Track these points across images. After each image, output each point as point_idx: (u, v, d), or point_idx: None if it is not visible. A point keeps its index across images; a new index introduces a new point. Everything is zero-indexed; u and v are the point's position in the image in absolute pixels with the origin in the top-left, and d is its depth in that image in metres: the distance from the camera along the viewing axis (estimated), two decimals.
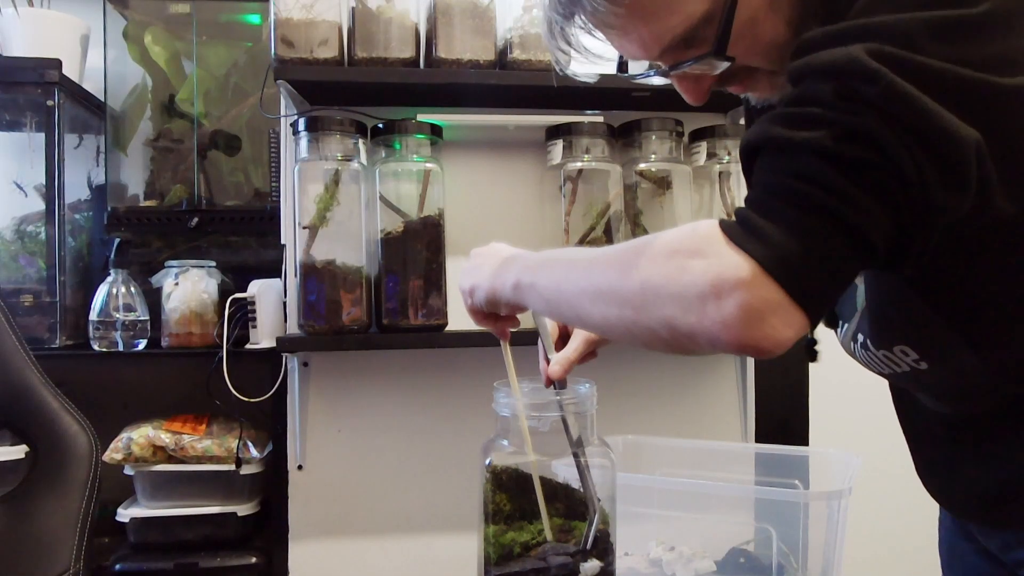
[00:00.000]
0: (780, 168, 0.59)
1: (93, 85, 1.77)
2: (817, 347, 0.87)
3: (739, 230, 0.59)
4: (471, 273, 0.86)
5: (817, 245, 0.57)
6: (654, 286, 0.61)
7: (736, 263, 0.57)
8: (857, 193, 0.56)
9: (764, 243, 0.57)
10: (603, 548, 0.85)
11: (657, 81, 0.75)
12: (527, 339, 1.48)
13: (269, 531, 1.56)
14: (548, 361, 0.91)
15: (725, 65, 0.70)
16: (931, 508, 0.96)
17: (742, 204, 0.62)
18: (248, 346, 1.53)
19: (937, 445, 0.83)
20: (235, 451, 1.54)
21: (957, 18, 0.56)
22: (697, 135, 1.58)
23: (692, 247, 0.60)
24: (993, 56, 0.56)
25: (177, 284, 1.63)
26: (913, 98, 0.54)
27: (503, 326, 0.89)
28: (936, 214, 0.57)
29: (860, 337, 0.77)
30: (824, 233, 0.56)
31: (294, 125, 1.46)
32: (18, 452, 1.20)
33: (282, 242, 1.57)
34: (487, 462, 0.86)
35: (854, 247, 0.57)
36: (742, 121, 1.66)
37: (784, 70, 0.69)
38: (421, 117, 1.48)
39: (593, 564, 0.84)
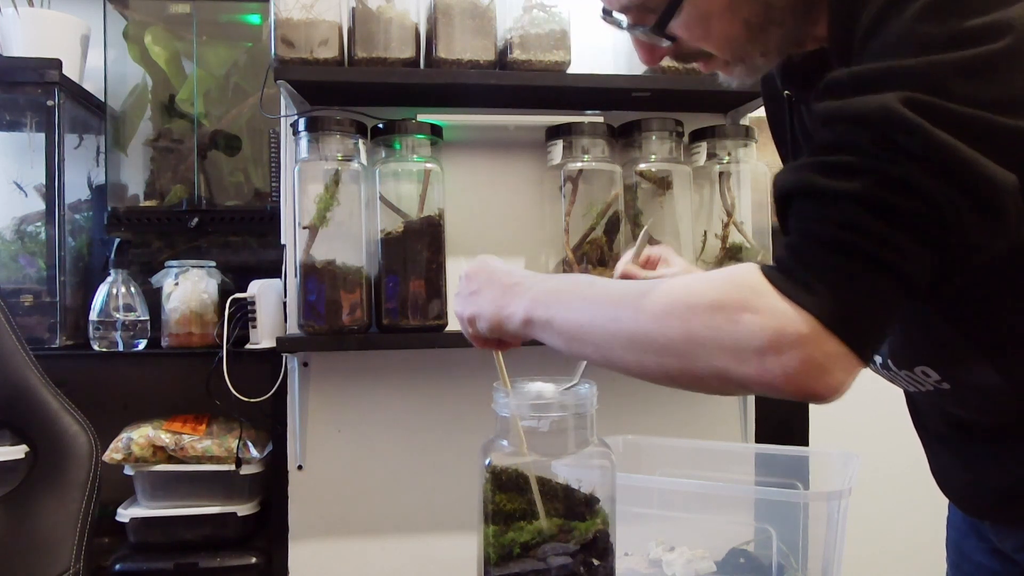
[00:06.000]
0: (822, 217, 0.59)
1: (93, 85, 1.77)
2: None
3: (789, 283, 0.59)
4: (470, 301, 0.82)
5: (869, 295, 0.58)
6: (703, 339, 0.61)
7: (794, 318, 0.58)
8: (902, 239, 0.57)
9: (819, 297, 0.57)
10: (603, 548, 0.85)
11: (625, 29, 0.78)
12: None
13: (269, 531, 1.56)
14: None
15: (667, 43, 0.74)
16: (931, 508, 0.96)
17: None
18: (248, 346, 1.53)
19: (953, 446, 0.83)
20: (235, 451, 1.54)
21: (983, 56, 0.56)
22: (697, 135, 1.58)
23: (739, 300, 0.60)
24: (1020, 92, 0.57)
25: (177, 284, 1.63)
26: (952, 148, 0.55)
27: (505, 347, 0.88)
28: (976, 255, 0.58)
29: (878, 358, 0.78)
30: (874, 282, 0.57)
31: (294, 125, 1.46)
32: (18, 452, 1.20)
33: (282, 242, 1.57)
34: (487, 462, 0.86)
35: (903, 291, 0.58)
36: (743, 121, 1.66)
37: (736, 60, 0.74)
38: (421, 117, 1.48)
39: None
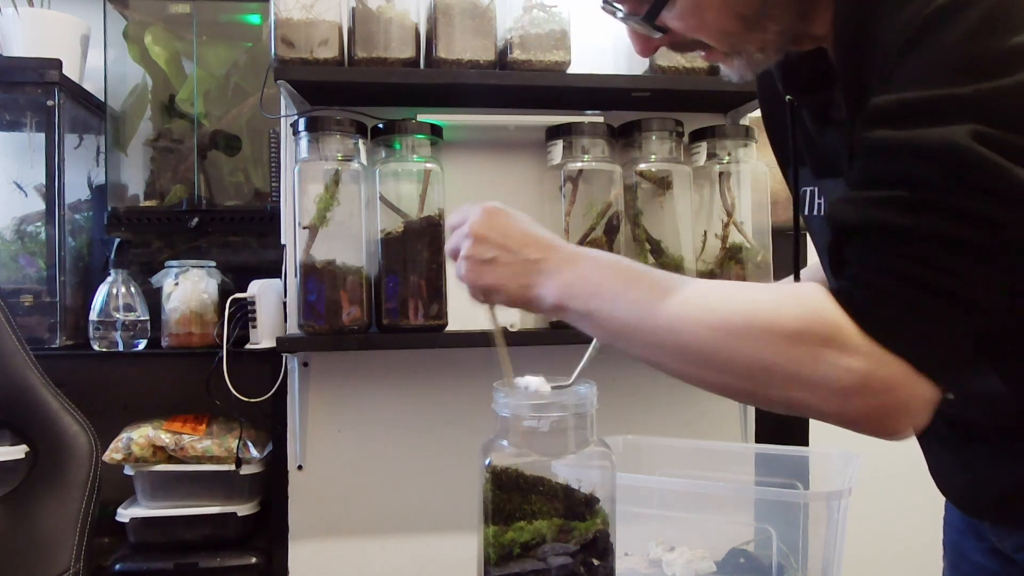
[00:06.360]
0: (903, 255, 0.57)
1: (93, 85, 1.77)
2: None
3: (873, 321, 0.58)
4: (486, 271, 0.75)
5: (956, 334, 0.58)
6: (781, 370, 0.60)
7: (884, 361, 0.57)
8: (983, 276, 0.57)
9: (909, 339, 0.57)
10: (603, 548, 0.85)
11: (619, 19, 0.77)
12: (524, 339, 1.48)
13: (269, 531, 1.56)
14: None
15: (657, 33, 0.74)
16: (931, 508, 0.96)
17: (844, 279, 0.61)
18: (248, 346, 1.53)
19: (952, 446, 0.83)
20: (235, 451, 1.54)
21: None
22: (697, 135, 1.58)
23: (823, 335, 0.58)
24: None
25: (177, 284, 1.63)
26: None
27: None
28: None
29: None
30: (959, 320, 0.57)
31: (294, 125, 1.46)
32: (18, 452, 1.20)
33: (282, 242, 1.57)
34: (487, 462, 0.86)
35: (982, 326, 0.58)
36: (743, 121, 1.66)
37: (734, 53, 0.74)
38: (421, 117, 1.48)
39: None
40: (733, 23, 0.71)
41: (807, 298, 0.61)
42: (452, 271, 0.82)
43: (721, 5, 0.70)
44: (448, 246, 0.81)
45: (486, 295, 0.77)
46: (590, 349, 0.87)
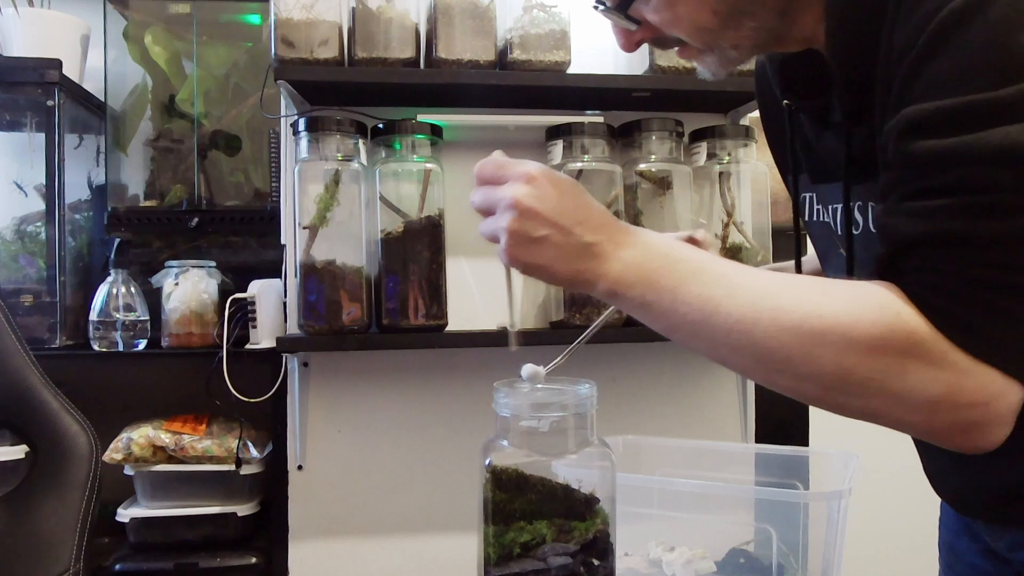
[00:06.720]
0: (984, 262, 0.56)
1: (93, 85, 1.77)
2: None
3: (959, 329, 0.57)
4: (533, 251, 0.67)
5: None
6: (862, 379, 0.58)
7: (973, 371, 0.56)
8: None
9: (999, 346, 0.56)
10: (603, 548, 0.85)
11: (600, 11, 0.77)
12: (524, 339, 1.48)
13: (269, 531, 1.56)
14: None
15: (632, 25, 0.74)
16: (930, 508, 0.96)
17: (885, 271, 0.60)
18: (248, 346, 1.53)
19: None
20: (235, 451, 1.54)
21: None
22: (697, 135, 1.58)
23: (905, 344, 0.57)
24: None
25: (177, 284, 1.63)
26: None
27: None
28: None
29: None
30: None
31: (294, 125, 1.46)
32: (18, 452, 1.20)
33: (282, 242, 1.57)
34: (487, 462, 0.86)
35: None
36: (743, 121, 1.66)
37: (708, 49, 0.74)
38: (421, 117, 1.48)
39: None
40: (707, 18, 0.71)
41: (884, 301, 0.59)
42: (480, 232, 0.73)
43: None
44: (478, 200, 0.71)
45: (527, 272, 0.69)
46: (601, 318, 0.86)
